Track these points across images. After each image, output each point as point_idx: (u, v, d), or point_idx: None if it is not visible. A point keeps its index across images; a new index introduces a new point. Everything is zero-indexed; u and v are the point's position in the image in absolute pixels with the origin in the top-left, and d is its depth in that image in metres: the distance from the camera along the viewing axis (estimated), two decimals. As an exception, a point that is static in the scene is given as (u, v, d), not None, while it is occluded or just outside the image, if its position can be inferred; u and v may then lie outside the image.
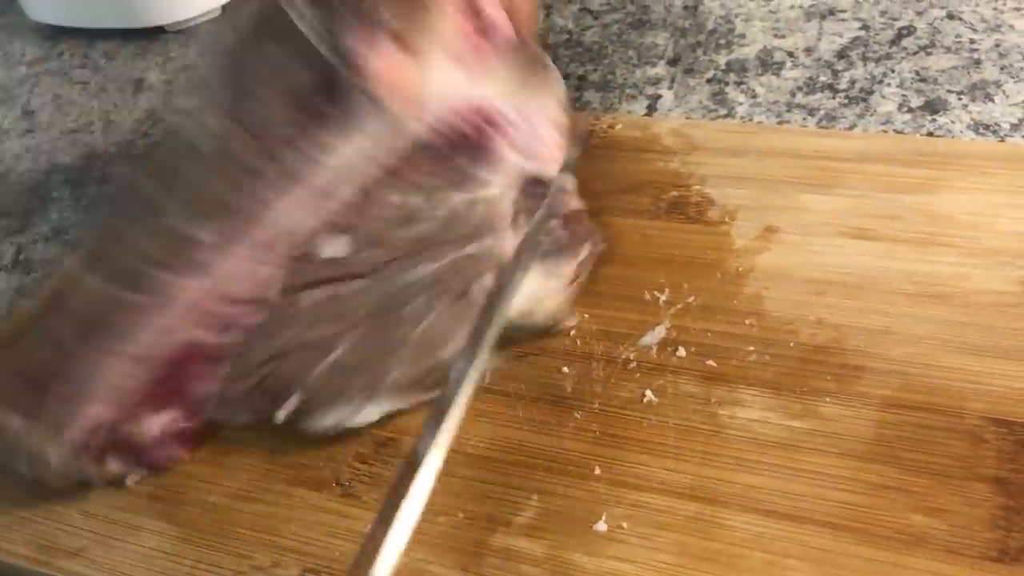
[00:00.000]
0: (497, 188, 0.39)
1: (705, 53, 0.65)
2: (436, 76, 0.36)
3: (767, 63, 0.62)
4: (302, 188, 0.35)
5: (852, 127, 0.55)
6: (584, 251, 0.41)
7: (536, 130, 0.39)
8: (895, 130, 0.55)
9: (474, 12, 0.36)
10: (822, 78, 0.60)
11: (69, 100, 0.77)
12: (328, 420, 0.38)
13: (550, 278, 0.39)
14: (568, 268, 0.40)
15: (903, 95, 0.57)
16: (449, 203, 0.38)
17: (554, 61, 0.67)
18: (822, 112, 0.57)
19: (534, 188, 0.40)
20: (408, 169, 0.37)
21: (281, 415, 0.37)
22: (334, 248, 0.37)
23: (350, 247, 0.37)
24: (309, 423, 0.38)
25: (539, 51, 0.39)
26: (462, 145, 0.38)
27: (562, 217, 0.40)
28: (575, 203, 0.42)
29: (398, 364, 0.37)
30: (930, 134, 0.54)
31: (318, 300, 0.38)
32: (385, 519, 0.29)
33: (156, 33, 0.81)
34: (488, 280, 0.37)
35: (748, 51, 0.64)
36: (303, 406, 0.37)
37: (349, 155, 0.35)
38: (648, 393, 0.39)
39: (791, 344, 0.40)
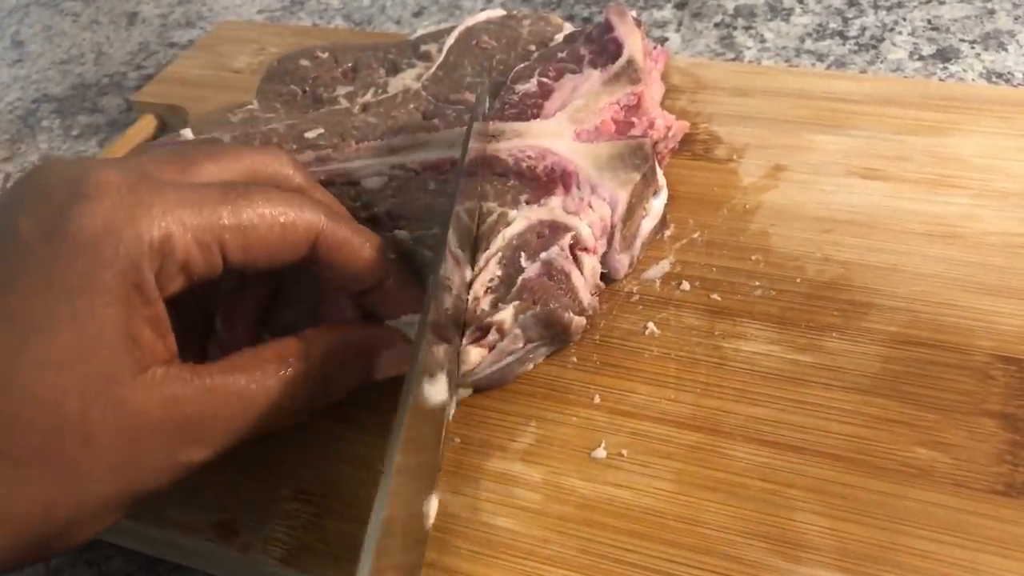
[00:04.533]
0: (515, 215, 0.39)
1: (714, -3, 0.63)
2: (549, 126, 0.42)
3: (776, 8, 0.61)
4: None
5: (862, 74, 0.54)
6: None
7: (593, 200, 0.39)
8: (906, 77, 0.54)
9: (635, 108, 0.43)
10: (832, 25, 0.59)
11: (60, 31, 0.75)
12: None
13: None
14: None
15: (914, 43, 0.56)
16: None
17: (559, 2, 0.66)
18: (831, 58, 0.56)
19: (544, 229, 0.39)
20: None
21: None
22: (372, 183, 0.43)
23: (381, 184, 0.43)
24: None
25: (647, 153, 0.41)
26: (528, 178, 0.41)
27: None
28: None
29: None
30: (941, 82, 0.53)
31: None
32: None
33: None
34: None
35: (758, -4, 0.62)
36: None
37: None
38: (650, 325, 0.38)
39: (797, 280, 0.39)
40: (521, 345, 0.36)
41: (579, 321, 0.37)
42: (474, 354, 0.35)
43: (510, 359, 0.36)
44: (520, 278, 0.36)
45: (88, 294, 0.27)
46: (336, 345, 0.33)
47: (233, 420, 0.30)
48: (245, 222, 0.30)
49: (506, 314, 0.35)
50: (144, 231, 0.28)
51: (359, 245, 0.34)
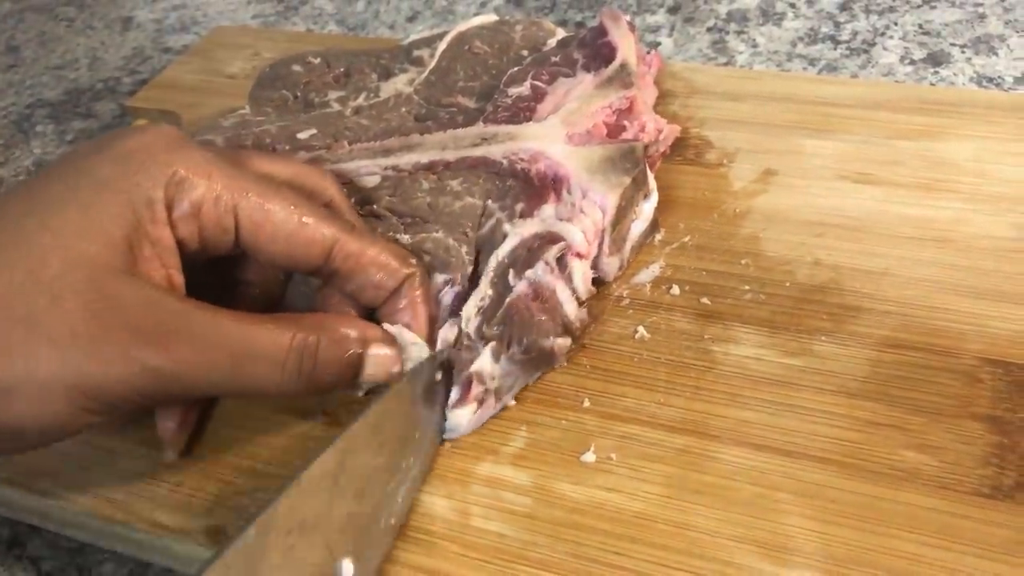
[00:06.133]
0: (508, 229, 0.39)
1: (706, 2, 0.63)
2: (542, 129, 0.43)
3: (768, 13, 0.61)
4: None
5: (853, 78, 0.55)
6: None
7: (585, 204, 0.39)
8: (897, 82, 0.54)
9: (627, 112, 0.44)
10: (824, 29, 0.59)
11: (54, 36, 0.75)
12: None
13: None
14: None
15: (905, 47, 0.56)
16: (450, 194, 0.41)
17: (552, 7, 0.66)
18: (823, 63, 0.57)
19: (534, 242, 0.38)
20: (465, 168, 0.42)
21: None
22: (367, 182, 0.43)
23: (376, 183, 0.43)
24: None
25: (638, 157, 0.41)
26: (521, 179, 0.41)
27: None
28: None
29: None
30: (932, 86, 0.53)
31: None
32: None
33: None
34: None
35: (749, 1, 0.63)
36: None
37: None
38: (640, 329, 0.38)
39: (787, 284, 0.39)
40: (506, 390, 0.36)
41: (562, 343, 0.37)
42: (460, 416, 0.35)
43: (497, 404, 0.36)
44: (506, 300, 0.36)
45: (105, 190, 0.30)
46: (329, 323, 0.33)
47: (204, 343, 0.30)
48: (266, 206, 0.33)
49: (484, 361, 0.35)
50: (174, 161, 0.31)
51: (374, 258, 0.34)
